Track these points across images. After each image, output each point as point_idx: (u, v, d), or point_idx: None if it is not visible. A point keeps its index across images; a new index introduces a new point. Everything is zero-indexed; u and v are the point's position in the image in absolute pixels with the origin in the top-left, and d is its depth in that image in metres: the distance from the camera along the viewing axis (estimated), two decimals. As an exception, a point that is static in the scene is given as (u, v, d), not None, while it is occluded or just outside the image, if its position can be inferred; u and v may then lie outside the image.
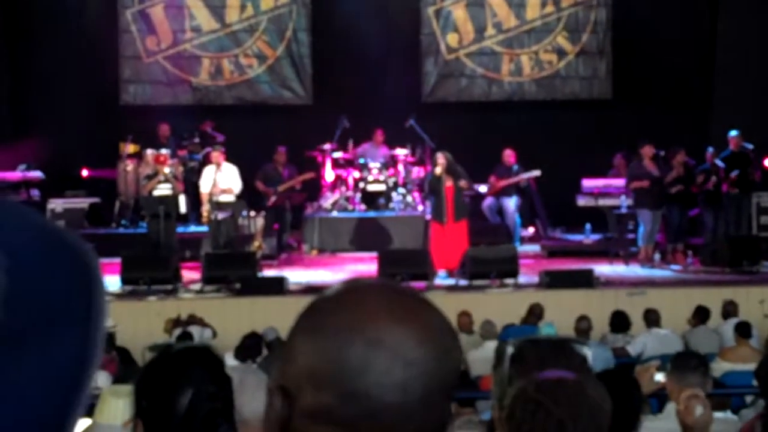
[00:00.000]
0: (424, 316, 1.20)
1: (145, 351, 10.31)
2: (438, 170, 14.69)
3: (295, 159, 16.89)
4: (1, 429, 0.92)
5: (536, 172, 16.74)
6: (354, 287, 1.24)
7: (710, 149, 16.23)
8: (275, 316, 10.75)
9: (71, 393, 0.98)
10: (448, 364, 1.20)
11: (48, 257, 0.97)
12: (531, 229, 17.71)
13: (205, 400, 2.45)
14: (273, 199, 16.34)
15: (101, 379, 7.55)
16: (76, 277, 0.99)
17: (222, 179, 15.39)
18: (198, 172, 16.69)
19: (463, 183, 14.77)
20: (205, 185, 15.48)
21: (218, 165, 15.50)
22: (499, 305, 12.76)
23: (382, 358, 1.15)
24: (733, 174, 15.99)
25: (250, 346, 8.79)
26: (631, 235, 15.72)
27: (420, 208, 16.90)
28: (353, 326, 1.17)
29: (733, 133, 16.32)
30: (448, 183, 14.63)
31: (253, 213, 15.61)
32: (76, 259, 1.00)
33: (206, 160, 16.88)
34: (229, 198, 15.32)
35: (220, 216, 15.18)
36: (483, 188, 16.82)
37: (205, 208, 15.35)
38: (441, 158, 14.76)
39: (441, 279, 14.37)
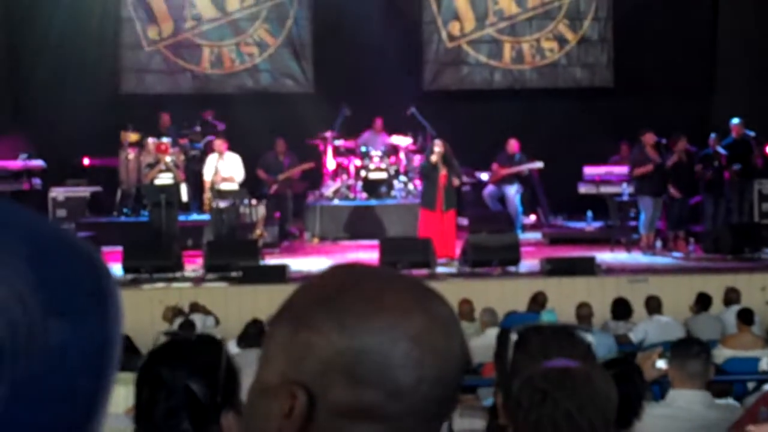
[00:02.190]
0: (441, 305, 1.19)
1: (159, 336, 10.30)
2: (434, 158, 14.62)
3: (296, 147, 16.89)
4: (34, 421, 0.92)
5: (539, 164, 16.73)
6: (363, 274, 1.20)
7: (713, 135, 16.27)
8: (277, 304, 10.67)
9: (99, 379, 0.98)
10: (466, 351, 1.19)
11: (60, 248, 0.98)
12: (532, 217, 17.70)
13: (176, 395, 2.40)
14: (274, 187, 16.35)
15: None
16: (88, 268, 0.99)
17: (224, 168, 15.42)
18: (199, 161, 16.72)
19: (455, 181, 14.64)
20: (207, 173, 15.54)
21: (221, 153, 15.54)
22: (501, 293, 12.77)
23: (424, 352, 1.13)
24: (736, 167, 16.01)
25: (253, 334, 8.78)
26: (632, 223, 15.73)
27: (421, 196, 16.89)
28: (389, 322, 1.13)
29: (735, 120, 16.34)
30: (443, 171, 14.56)
31: (254, 201, 15.61)
32: (81, 252, 1.00)
33: (207, 149, 16.92)
34: (231, 186, 15.35)
35: (222, 204, 15.20)
36: (484, 176, 16.80)
37: (207, 196, 15.40)
38: (439, 146, 14.66)
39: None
